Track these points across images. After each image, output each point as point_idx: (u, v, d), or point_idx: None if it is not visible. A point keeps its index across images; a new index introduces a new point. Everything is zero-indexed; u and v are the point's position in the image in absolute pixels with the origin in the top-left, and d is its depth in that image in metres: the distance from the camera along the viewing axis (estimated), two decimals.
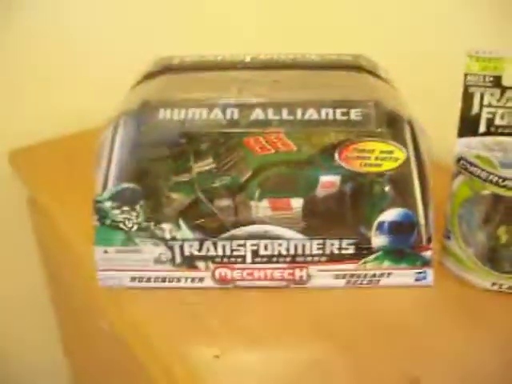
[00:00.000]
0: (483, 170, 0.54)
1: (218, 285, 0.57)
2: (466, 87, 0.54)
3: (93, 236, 0.55)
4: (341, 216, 0.57)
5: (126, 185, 0.54)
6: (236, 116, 0.52)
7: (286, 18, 0.97)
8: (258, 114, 0.52)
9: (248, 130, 0.53)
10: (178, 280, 0.57)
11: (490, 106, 0.54)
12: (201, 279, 0.57)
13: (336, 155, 0.53)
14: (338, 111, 0.52)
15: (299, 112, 0.52)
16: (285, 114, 0.52)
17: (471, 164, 0.55)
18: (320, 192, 0.57)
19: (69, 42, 0.91)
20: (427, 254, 0.56)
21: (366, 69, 0.58)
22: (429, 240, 0.55)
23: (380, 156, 0.53)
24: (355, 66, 0.59)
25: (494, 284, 0.56)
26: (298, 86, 0.56)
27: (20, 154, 0.85)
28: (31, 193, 0.85)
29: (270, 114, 0.52)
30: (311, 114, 0.52)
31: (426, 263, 0.56)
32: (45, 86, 0.90)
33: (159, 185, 0.57)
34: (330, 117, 0.52)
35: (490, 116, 0.54)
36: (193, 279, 0.57)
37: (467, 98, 0.54)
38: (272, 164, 0.56)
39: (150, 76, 0.59)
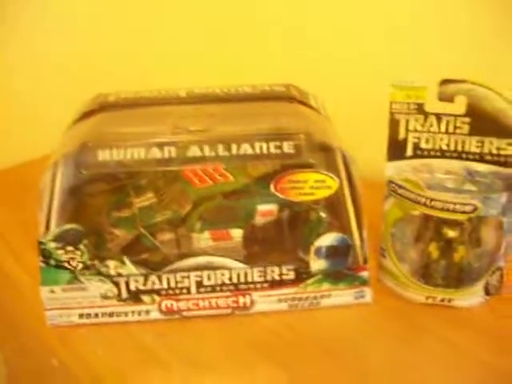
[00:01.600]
0: (412, 192, 0.57)
1: (165, 316, 0.58)
2: (392, 114, 0.57)
3: (38, 276, 0.56)
4: (280, 243, 0.59)
5: (68, 226, 0.55)
6: (173, 154, 0.54)
7: (220, 49, 0.98)
8: (194, 151, 0.54)
9: (186, 168, 0.55)
10: (126, 314, 0.58)
11: (415, 131, 0.57)
12: (147, 312, 0.58)
13: (271, 186, 0.55)
14: (272, 144, 0.54)
15: (234, 147, 0.54)
16: (220, 150, 0.54)
17: (400, 187, 0.57)
18: (258, 221, 0.59)
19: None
20: (364, 273, 0.58)
21: (296, 98, 0.60)
22: (365, 261, 0.58)
23: (314, 185, 0.55)
24: (287, 97, 0.61)
25: (428, 297, 0.59)
26: (232, 120, 0.57)
27: None
28: None
29: (207, 151, 0.54)
30: (246, 148, 0.54)
31: (363, 282, 0.59)
32: None
33: (101, 221, 0.58)
34: (264, 151, 0.54)
35: (416, 140, 0.57)
36: (139, 312, 0.58)
37: (393, 124, 0.57)
38: (211, 196, 0.58)
39: (86, 115, 0.59)
